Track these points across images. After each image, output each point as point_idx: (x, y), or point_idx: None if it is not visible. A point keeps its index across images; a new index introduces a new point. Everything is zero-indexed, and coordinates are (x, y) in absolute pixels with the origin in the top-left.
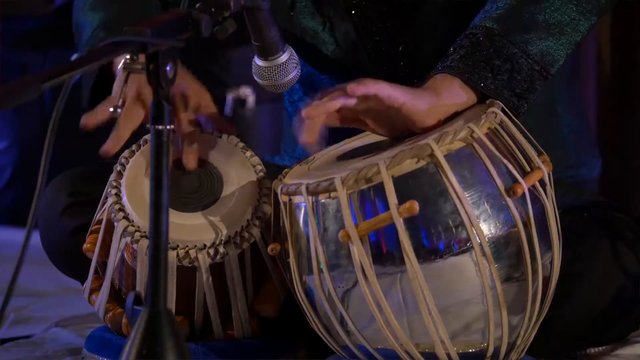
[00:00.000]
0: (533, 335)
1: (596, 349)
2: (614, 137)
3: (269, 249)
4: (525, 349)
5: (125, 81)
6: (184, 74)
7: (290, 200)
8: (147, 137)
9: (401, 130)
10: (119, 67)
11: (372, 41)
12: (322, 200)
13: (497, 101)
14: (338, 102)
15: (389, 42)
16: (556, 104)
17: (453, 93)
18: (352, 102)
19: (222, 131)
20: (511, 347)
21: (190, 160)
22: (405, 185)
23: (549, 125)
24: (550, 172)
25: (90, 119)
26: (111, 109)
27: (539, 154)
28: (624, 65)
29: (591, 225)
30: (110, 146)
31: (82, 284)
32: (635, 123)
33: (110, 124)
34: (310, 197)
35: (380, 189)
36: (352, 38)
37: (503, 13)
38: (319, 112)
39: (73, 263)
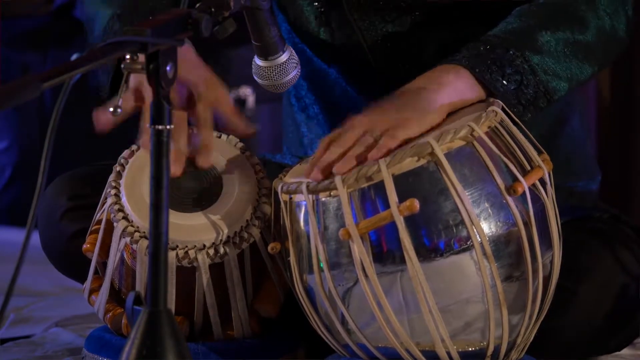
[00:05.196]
0: (533, 334)
1: None
2: (613, 148)
3: (269, 247)
4: (526, 348)
5: (126, 81)
6: (199, 63)
7: (290, 198)
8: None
9: None
10: None
11: (375, 43)
12: (323, 199)
13: (498, 100)
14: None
15: (392, 44)
16: (556, 116)
17: (457, 87)
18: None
19: (239, 130)
20: (511, 346)
21: (204, 160)
22: (406, 184)
23: (549, 138)
24: (551, 171)
25: (106, 119)
26: (111, 109)
27: (539, 152)
28: (624, 68)
29: (591, 235)
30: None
31: (83, 284)
32: (635, 135)
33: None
34: (310, 196)
35: (380, 187)
36: (356, 40)
37: (519, 31)
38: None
39: (73, 266)
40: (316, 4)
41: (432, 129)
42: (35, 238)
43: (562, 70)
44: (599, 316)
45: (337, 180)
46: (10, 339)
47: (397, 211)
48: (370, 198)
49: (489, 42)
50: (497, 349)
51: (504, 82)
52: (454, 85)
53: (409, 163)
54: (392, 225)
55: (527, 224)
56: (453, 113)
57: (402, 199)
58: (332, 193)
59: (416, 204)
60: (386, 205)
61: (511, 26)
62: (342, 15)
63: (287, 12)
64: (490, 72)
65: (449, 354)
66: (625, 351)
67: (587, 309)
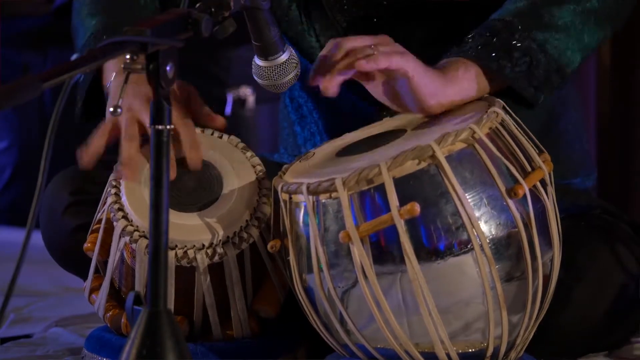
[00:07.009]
0: (532, 334)
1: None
2: (613, 148)
3: (268, 246)
4: (524, 348)
5: (126, 81)
6: None
7: (290, 198)
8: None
9: (404, 106)
10: (108, 81)
11: None
12: (323, 200)
13: (498, 100)
14: (347, 74)
15: None
16: (550, 113)
17: (463, 86)
18: (364, 69)
19: (210, 126)
20: (510, 346)
21: (195, 161)
22: (407, 187)
23: (542, 135)
24: (551, 172)
25: (88, 155)
26: (111, 109)
27: (540, 152)
28: (624, 67)
29: (588, 232)
30: (86, 161)
31: (85, 281)
32: (635, 134)
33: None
34: (310, 197)
35: (381, 190)
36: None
37: (524, 10)
38: (333, 83)
39: (75, 261)
40: (300, 6)
41: (432, 124)
42: (36, 238)
43: (573, 43)
44: (597, 313)
45: (338, 182)
46: (10, 339)
47: (398, 215)
48: (371, 201)
49: (493, 27)
50: (496, 350)
51: (513, 67)
52: (460, 85)
53: (410, 166)
54: (393, 228)
55: (527, 226)
56: (454, 110)
57: (402, 202)
58: (332, 195)
59: (417, 207)
60: (387, 209)
61: (515, 6)
62: (324, 17)
63: (276, 15)
64: (497, 59)
65: (448, 355)
66: (625, 351)
67: (584, 305)
